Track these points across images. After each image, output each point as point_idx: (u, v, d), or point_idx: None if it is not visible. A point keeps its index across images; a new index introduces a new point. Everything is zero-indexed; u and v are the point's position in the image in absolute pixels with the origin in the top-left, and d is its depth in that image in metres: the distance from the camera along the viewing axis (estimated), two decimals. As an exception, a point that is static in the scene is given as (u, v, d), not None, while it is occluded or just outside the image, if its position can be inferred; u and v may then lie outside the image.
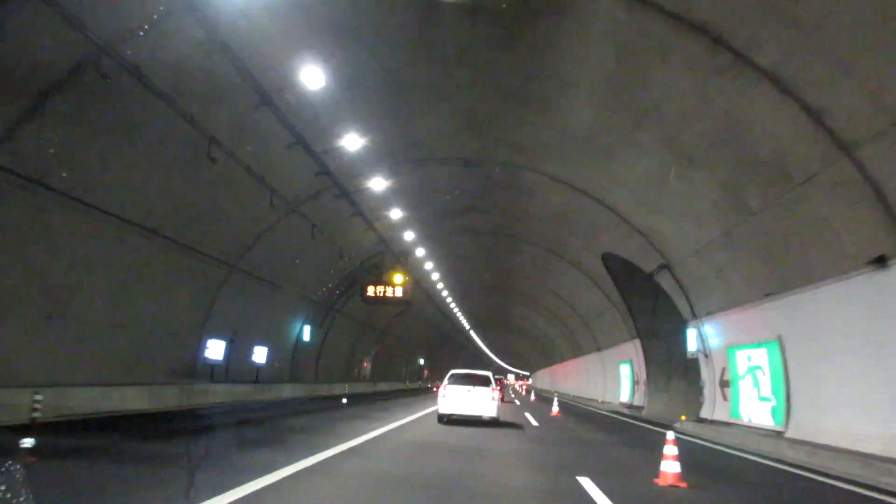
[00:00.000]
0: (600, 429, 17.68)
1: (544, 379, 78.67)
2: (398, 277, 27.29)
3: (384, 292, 26.46)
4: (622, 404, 29.62)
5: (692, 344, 18.12)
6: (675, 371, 25.31)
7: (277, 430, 13.12)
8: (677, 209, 15.34)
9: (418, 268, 31.83)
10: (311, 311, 27.37)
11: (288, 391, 25.02)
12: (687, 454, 10.86)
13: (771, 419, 13.60)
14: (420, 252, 28.93)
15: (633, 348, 27.09)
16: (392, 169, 19.10)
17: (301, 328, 27.14)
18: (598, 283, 27.02)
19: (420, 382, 61.32)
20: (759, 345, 14.25)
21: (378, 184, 19.31)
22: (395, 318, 42.04)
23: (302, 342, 27.20)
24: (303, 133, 15.31)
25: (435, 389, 49.57)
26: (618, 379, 30.79)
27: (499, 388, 18.56)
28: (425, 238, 27.33)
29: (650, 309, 24.88)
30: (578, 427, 17.95)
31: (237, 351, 21.32)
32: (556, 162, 17.40)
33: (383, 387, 43.75)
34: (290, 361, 26.93)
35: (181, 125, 12.34)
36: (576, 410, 27.57)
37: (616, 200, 17.67)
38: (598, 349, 35.04)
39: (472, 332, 73.07)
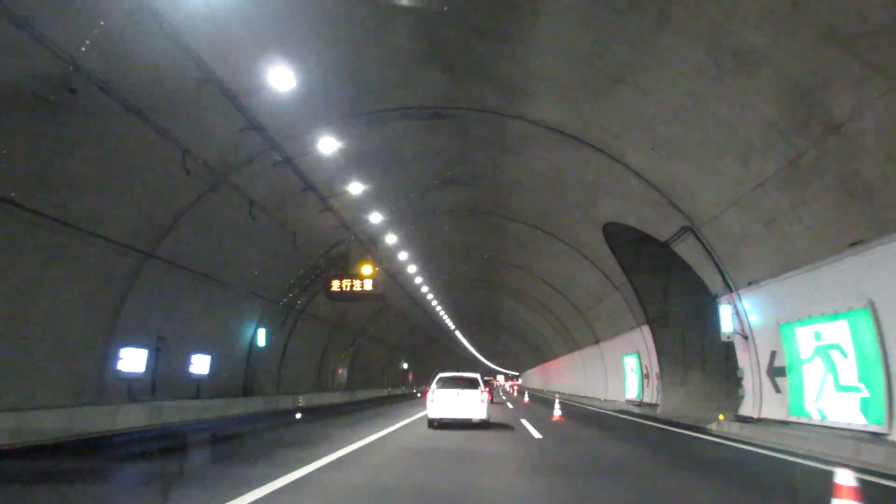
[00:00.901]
0: (622, 438, 13.96)
1: (535, 378, 75.07)
2: (367, 268, 23.51)
3: (351, 286, 22.63)
4: (629, 402, 26.01)
5: (727, 324, 14.49)
6: (692, 361, 21.77)
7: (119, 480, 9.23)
8: (713, 145, 11.69)
9: (391, 258, 28.01)
10: (266, 311, 23.42)
11: (240, 406, 21.04)
12: (781, 477, 7.23)
13: (861, 416, 9.98)
14: (391, 239, 25.10)
15: (641, 337, 23.49)
16: (344, 124, 15.30)
17: (255, 332, 23.19)
18: (598, 263, 23.40)
19: (403, 388, 57.27)
20: (835, 316, 10.62)
21: (328, 146, 15.41)
22: (371, 318, 38.14)
23: (257, 348, 23.24)
24: (215, 68, 11.49)
25: (423, 394, 46.12)
26: (622, 373, 27.18)
27: (488, 389, 17.60)
28: (395, 221, 23.50)
29: (661, 289, 21.33)
30: (593, 437, 14.24)
31: (168, 361, 17.36)
32: (550, 99, 13.70)
33: (362, 395, 39.80)
34: (244, 371, 22.96)
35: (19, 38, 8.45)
36: (578, 412, 23.93)
37: (626, 147, 14.00)
38: (597, 341, 31.43)
39: (457, 333, 69.38)
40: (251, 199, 16.60)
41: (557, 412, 19.11)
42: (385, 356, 48.77)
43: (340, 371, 36.41)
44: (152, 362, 16.51)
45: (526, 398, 36.34)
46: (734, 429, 13.58)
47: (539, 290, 34.85)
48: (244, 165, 15.34)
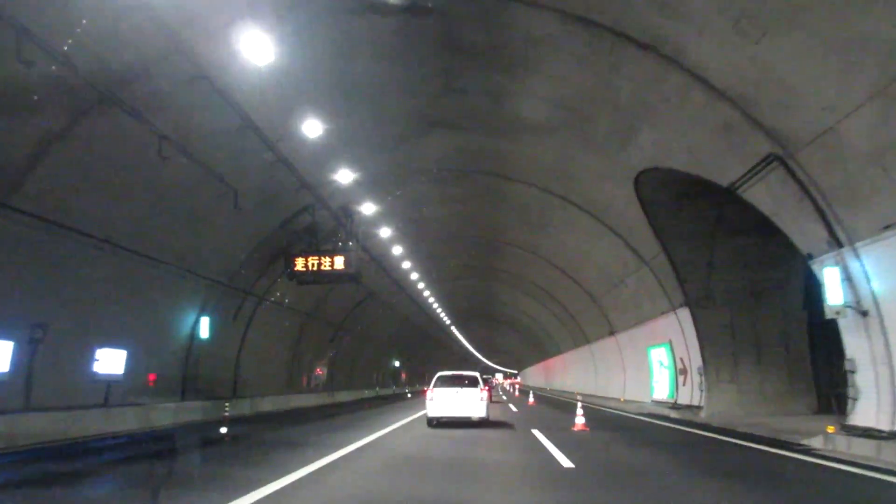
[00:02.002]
0: (703, 470, 9.37)
1: (537, 376, 70.63)
2: (338, 244, 19.22)
3: (319, 265, 18.25)
4: (657, 403, 21.54)
5: (835, 293, 9.98)
6: (745, 351, 17.31)
7: None
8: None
9: (371, 236, 23.52)
10: (211, 295, 18.85)
11: (168, 416, 16.40)
12: None
13: None
14: (368, 208, 20.57)
15: (676, 323, 19.00)
16: (280, 20, 10.74)
17: (197, 321, 18.63)
18: (622, 231, 18.92)
19: (394, 388, 52.62)
20: None
21: (259, 49, 10.79)
22: (355, 310, 33.61)
23: (199, 341, 18.66)
24: None
25: (417, 395, 42.52)
26: (647, 369, 22.70)
27: (487, 388, 16.65)
28: (370, 180, 18.95)
29: (706, 262, 16.86)
30: (653, 465, 9.68)
31: (55, 357, 12.80)
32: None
33: (343, 396, 35.22)
34: (183, 371, 18.37)
35: None
36: (601, 418, 19.40)
37: (689, 33, 9.44)
38: (612, 332, 26.97)
39: (452, 329, 64.90)
40: (161, 135, 12.03)
41: (580, 420, 14.57)
42: (373, 353, 44.15)
43: (319, 371, 31.85)
44: (22, 359, 11.94)
45: (531, 399, 31.67)
46: (864, 449, 9.02)
47: (543, 276, 30.36)
48: (142, 76, 10.76)
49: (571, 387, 40.56)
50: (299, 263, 18.16)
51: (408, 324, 48.74)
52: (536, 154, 17.02)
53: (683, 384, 19.29)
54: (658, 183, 14.89)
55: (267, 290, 22.25)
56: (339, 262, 18.26)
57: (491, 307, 53.60)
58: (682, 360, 19.24)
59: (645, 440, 12.84)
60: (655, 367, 21.92)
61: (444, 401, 15.23)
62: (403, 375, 62.13)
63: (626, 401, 25.16)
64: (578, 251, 23.83)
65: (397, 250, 27.27)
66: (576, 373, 39.50)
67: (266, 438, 13.82)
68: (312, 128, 14.11)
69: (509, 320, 56.39)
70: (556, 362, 49.02)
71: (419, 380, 66.75)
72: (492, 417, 16.40)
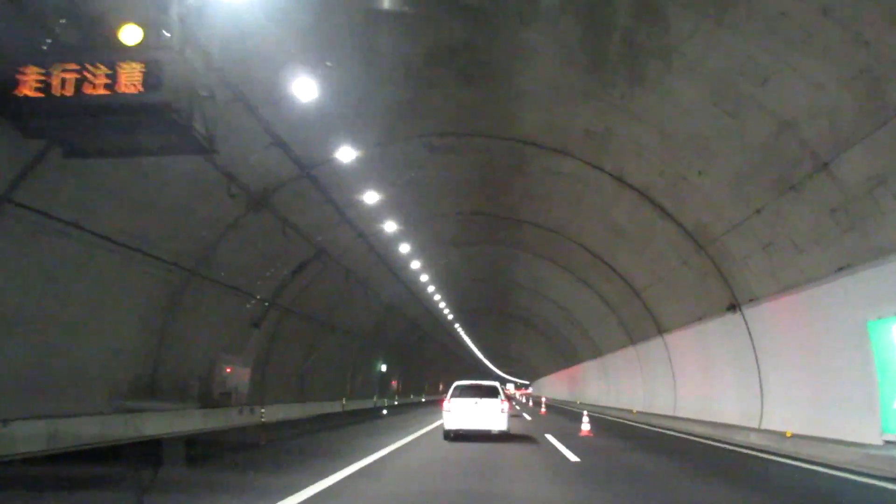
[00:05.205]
0: None
1: (554, 387, 58.28)
2: (130, 33, 7.11)
3: (80, 79, 6.44)
4: (890, 443, 9.37)
5: None
6: None
7: None
8: None
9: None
10: None
11: None
12: None
13: None
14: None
15: None
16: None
17: None
18: None
19: (375, 399, 39.81)
20: None
21: None
22: (304, 277, 21.64)
23: None
24: None
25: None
26: (871, 368, 10.33)
27: (507, 399, 15.44)
28: None
29: None
30: None
31: None
32: None
33: (277, 413, 22.96)
34: None
35: None
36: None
37: None
38: (734, 306, 14.80)
39: (456, 326, 52.80)
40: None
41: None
42: (342, 351, 31.73)
43: (230, 370, 19.70)
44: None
45: (586, 425, 18.00)
46: None
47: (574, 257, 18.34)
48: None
49: (623, 401, 28.18)
50: (30, 80, 6.53)
51: (397, 314, 36.68)
52: None
53: None
54: None
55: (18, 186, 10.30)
56: (130, 77, 6.60)
57: (502, 309, 42.43)
58: None
59: None
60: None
61: (462, 412, 14.47)
62: (394, 383, 49.79)
63: (794, 436, 12.54)
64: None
65: (372, 198, 15.38)
66: (629, 380, 27.16)
67: None
68: None
69: (524, 319, 44.44)
70: (589, 369, 36.60)
71: (413, 389, 54.35)
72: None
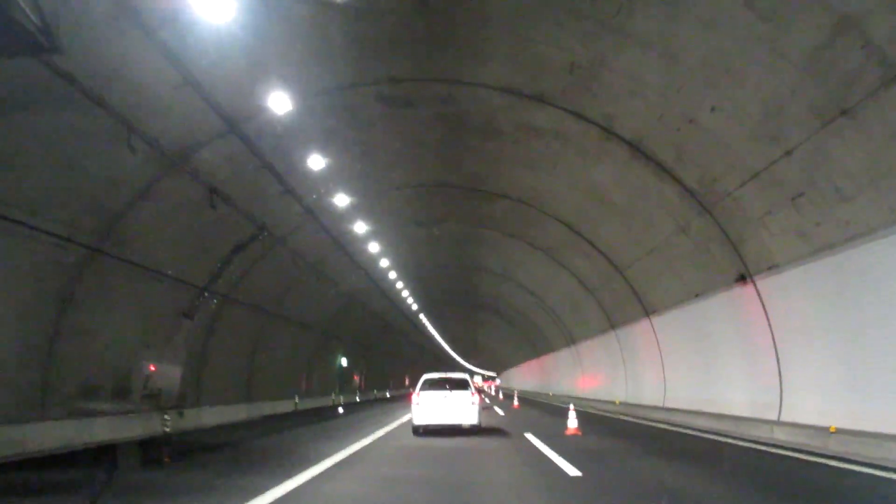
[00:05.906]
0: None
1: (524, 378, 56.20)
2: None
3: None
4: None
5: None
6: None
7: None
8: None
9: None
10: None
11: None
12: None
13: None
14: None
15: None
16: None
17: None
18: None
19: (334, 396, 36.81)
20: None
21: None
22: (247, 258, 18.83)
23: None
24: None
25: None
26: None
27: (478, 392, 15.17)
28: None
29: None
30: None
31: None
32: None
33: (211, 418, 20.01)
34: None
35: None
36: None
37: None
38: (743, 277, 12.57)
39: (422, 318, 50.22)
40: None
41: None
42: (296, 344, 28.88)
43: (154, 368, 16.79)
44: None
45: (573, 421, 15.21)
46: None
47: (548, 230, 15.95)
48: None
49: (603, 393, 26.02)
50: None
51: (357, 304, 33.94)
52: None
53: None
54: None
55: None
56: None
57: (470, 297, 39.90)
58: None
59: None
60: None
61: (431, 406, 14.07)
62: (356, 378, 46.98)
63: (837, 431, 10.32)
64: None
65: (318, 162, 12.62)
66: (610, 369, 24.98)
67: None
68: None
69: (492, 308, 42.08)
70: (563, 357, 34.39)
71: (376, 384, 51.56)
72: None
